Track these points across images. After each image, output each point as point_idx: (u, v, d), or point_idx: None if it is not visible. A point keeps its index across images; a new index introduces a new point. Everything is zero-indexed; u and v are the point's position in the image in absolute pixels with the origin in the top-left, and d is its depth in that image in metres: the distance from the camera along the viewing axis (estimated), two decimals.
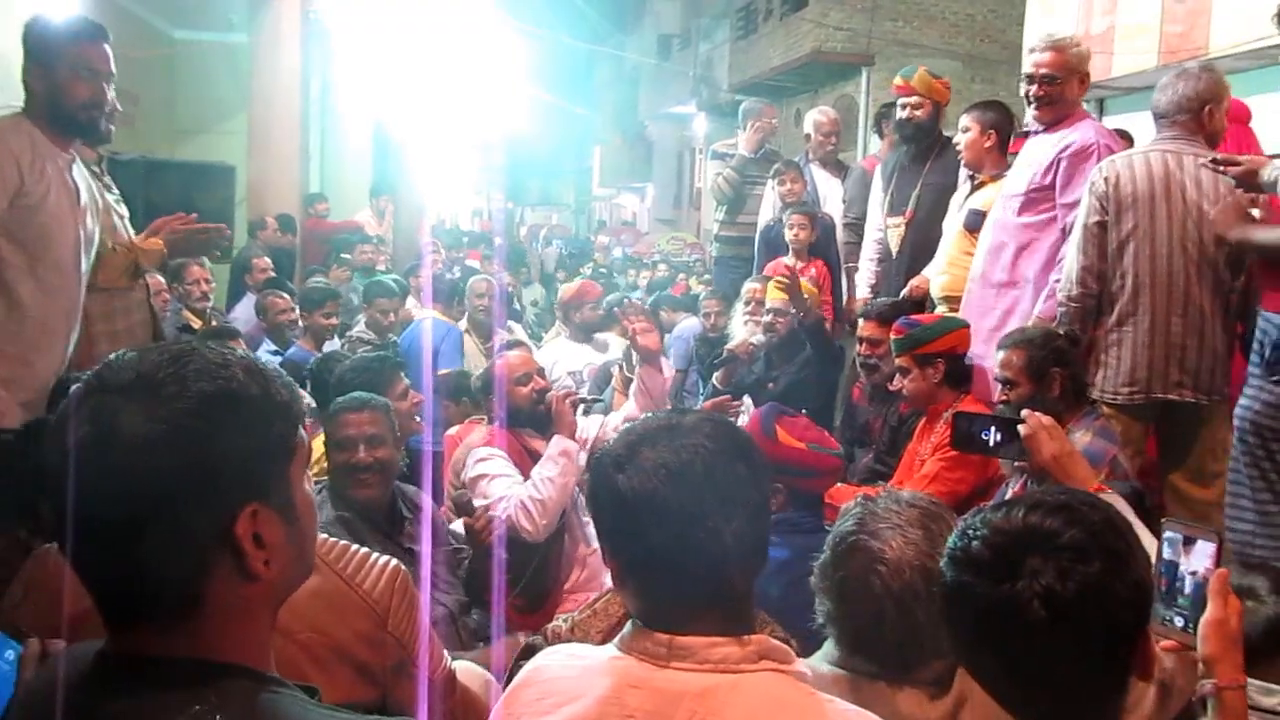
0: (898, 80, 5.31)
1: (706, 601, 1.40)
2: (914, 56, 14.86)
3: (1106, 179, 3.69)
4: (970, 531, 1.35)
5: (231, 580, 1.04)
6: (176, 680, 1.02)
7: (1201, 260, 3.62)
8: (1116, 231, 3.68)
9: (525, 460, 3.74)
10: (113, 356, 1.06)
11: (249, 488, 1.04)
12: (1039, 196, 4.05)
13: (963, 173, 5.02)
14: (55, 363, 3.21)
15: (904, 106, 5.22)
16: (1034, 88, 4.08)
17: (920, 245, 5.09)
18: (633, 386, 4.14)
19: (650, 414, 1.55)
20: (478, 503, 3.59)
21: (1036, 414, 2.10)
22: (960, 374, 3.83)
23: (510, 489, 3.56)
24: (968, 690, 1.74)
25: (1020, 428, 2.12)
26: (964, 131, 4.64)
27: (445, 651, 2.11)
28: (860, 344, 4.52)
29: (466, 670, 2.28)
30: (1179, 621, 1.60)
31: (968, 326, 3.96)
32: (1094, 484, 2.02)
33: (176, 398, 1.00)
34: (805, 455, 2.99)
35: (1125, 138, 5.45)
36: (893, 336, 3.88)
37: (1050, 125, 4.09)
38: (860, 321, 4.57)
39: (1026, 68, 4.20)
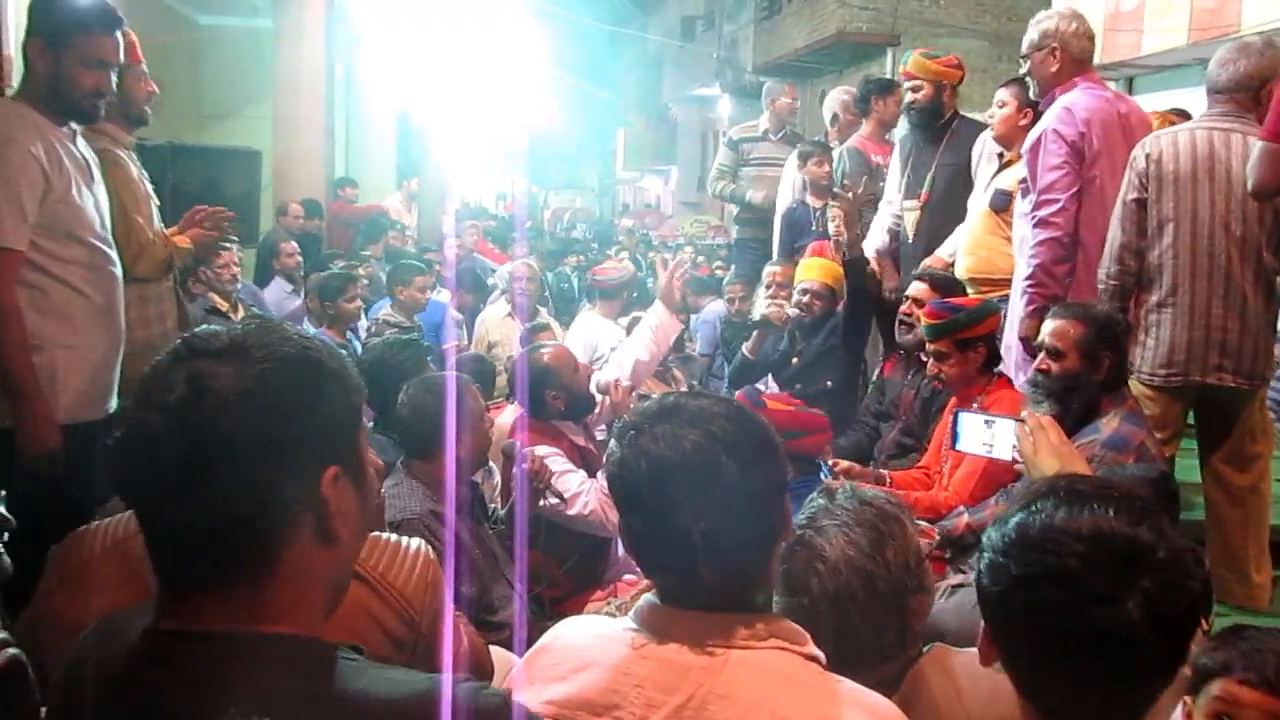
0: (900, 68, 5.31)
1: (713, 579, 1.41)
2: (940, 36, 14.72)
3: (1149, 155, 3.63)
4: (1057, 545, 1.26)
5: (308, 545, 1.08)
6: (248, 652, 1.04)
7: (1245, 241, 3.55)
8: (1157, 210, 3.62)
9: (573, 454, 3.70)
10: (200, 329, 1.12)
11: (333, 450, 1.09)
12: (1025, 188, 4.02)
13: (986, 149, 4.99)
14: (118, 342, 3.23)
15: (907, 91, 5.21)
16: (1024, 68, 4.12)
17: (937, 227, 5.04)
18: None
19: (669, 392, 1.55)
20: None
21: (1036, 415, 2.09)
22: (994, 358, 3.78)
23: (583, 484, 3.53)
24: (914, 696, 1.73)
25: (1017, 428, 2.11)
26: (1000, 106, 4.60)
27: (465, 633, 2.09)
28: (905, 301, 4.41)
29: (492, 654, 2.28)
30: None
31: (1000, 309, 3.92)
32: None
33: (264, 360, 1.06)
34: (794, 415, 3.28)
35: (1183, 115, 5.29)
36: (928, 321, 3.77)
37: (1045, 102, 4.06)
38: (914, 282, 4.46)
39: None
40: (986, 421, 2.52)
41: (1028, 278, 3.87)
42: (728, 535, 1.38)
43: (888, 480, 3.71)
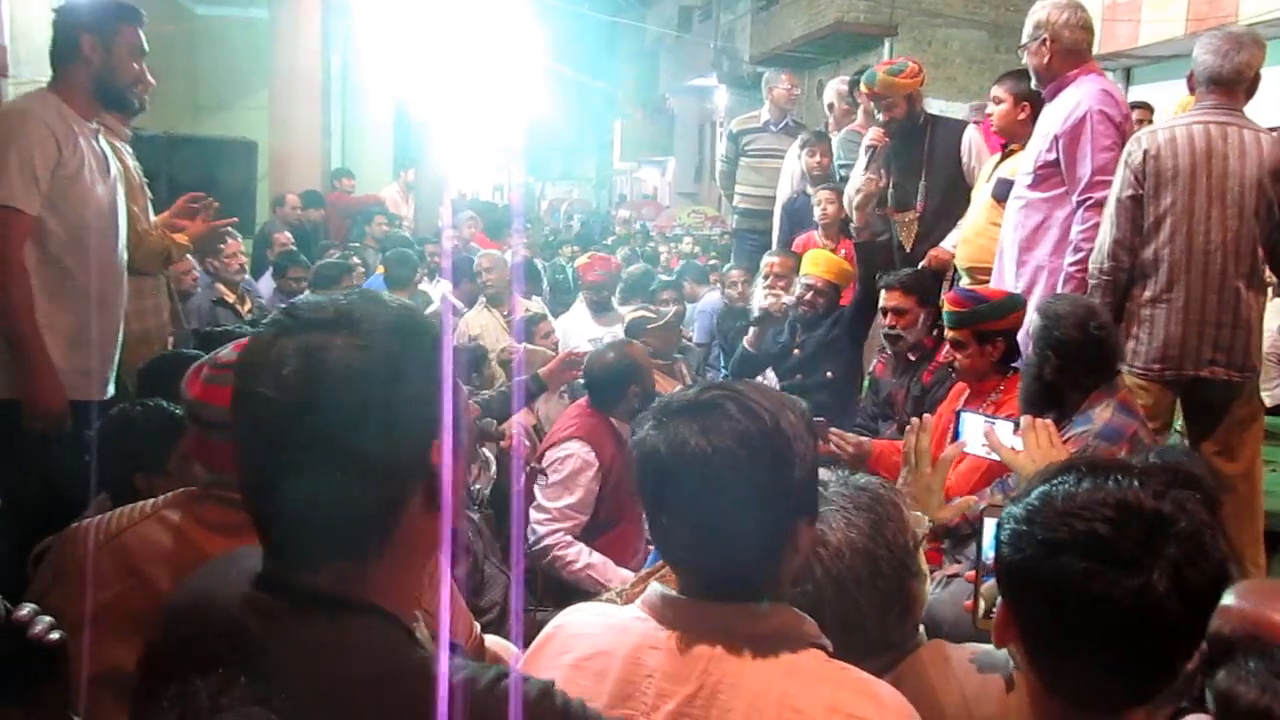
0: (862, 89, 5.24)
1: (727, 569, 1.40)
2: (938, 26, 14.72)
3: (1146, 151, 3.61)
4: (1084, 512, 1.27)
5: (418, 515, 1.07)
6: (359, 623, 1.03)
7: (1240, 237, 3.56)
8: (1154, 206, 3.61)
9: (608, 438, 3.80)
10: (299, 299, 1.10)
11: (438, 420, 1.07)
12: (1047, 172, 3.98)
13: (974, 145, 4.98)
14: (112, 330, 3.25)
15: (879, 111, 5.13)
16: (1024, 59, 4.11)
17: (939, 235, 5.02)
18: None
19: (705, 383, 1.52)
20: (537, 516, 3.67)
21: (1029, 416, 2.10)
22: (1012, 354, 3.67)
23: (566, 529, 3.64)
24: (907, 686, 1.73)
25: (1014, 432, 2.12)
26: (996, 103, 4.57)
27: (475, 621, 2.11)
28: (884, 314, 4.38)
29: (494, 643, 2.31)
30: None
31: (1025, 304, 3.88)
32: None
33: (374, 331, 1.04)
34: None
35: (1147, 109, 5.34)
36: (951, 308, 3.67)
37: (1049, 90, 4.03)
38: (883, 292, 4.43)
39: None
40: (987, 422, 2.55)
41: (1076, 262, 3.81)
42: (731, 545, 1.37)
43: (868, 445, 3.68)
